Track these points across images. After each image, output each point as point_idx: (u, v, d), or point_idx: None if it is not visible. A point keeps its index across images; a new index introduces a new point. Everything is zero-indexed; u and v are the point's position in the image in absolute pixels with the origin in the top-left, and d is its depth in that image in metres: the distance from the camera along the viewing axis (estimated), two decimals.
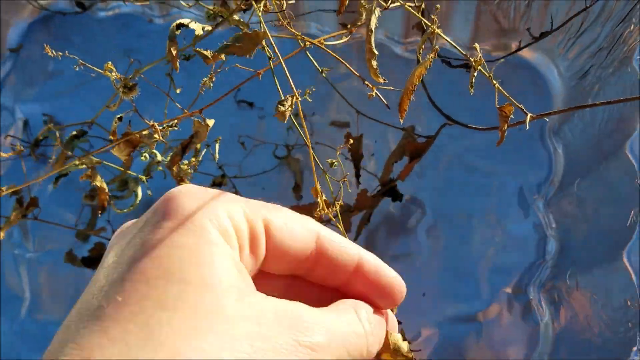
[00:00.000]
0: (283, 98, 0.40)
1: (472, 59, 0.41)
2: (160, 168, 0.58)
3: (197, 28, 0.48)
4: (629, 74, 0.54)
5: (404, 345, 0.31)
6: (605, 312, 0.51)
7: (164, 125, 0.43)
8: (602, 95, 0.58)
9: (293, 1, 0.49)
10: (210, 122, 0.46)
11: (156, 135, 0.42)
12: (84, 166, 0.51)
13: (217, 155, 0.54)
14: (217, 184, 0.64)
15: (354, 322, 0.27)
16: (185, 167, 0.51)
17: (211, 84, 0.43)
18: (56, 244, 0.67)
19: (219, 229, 0.24)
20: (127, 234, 0.24)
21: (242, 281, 0.24)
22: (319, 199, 0.41)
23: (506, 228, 0.63)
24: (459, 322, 0.61)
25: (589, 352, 0.53)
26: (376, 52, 0.49)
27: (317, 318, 0.25)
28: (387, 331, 0.30)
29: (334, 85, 0.60)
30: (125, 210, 0.54)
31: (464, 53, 0.43)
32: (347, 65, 0.54)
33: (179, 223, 0.23)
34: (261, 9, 0.45)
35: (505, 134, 0.44)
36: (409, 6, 0.50)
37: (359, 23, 0.54)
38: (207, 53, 0.47)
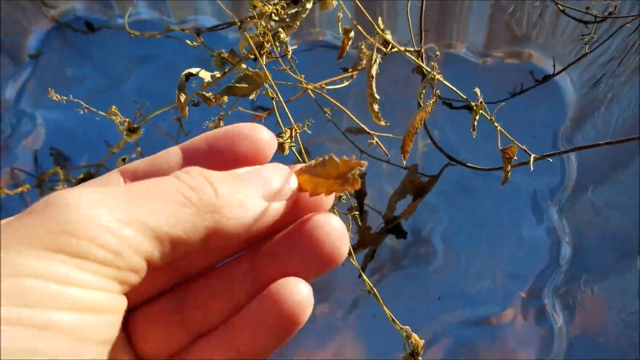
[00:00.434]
0: (282, 130, 0.41)
1: (473, 104, 0.42)
2: None
3: (206, 76, 0.49)
4: None
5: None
6: (619, 316, 0.53)
7: None
8: (614, 104, 0.59)
9: (295, 46, 0.50)
10: None
11: None
12: None
13: None
14: None
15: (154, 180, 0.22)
16: None
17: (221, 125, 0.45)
18: None
19: None
20: None
21: None
22: None
23: (520, 233, 0.65)
24: (474, 325, 0.62)
25: (602, 356, 0.54)
26: (377, 97, 0.51)
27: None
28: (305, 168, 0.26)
29: (337, 125, 0.62)
30: None
31: (464, 97, 0.44)
32: (349, 113, 0.55)
33: None
34: (264, 56, 0.47)
35: (509, 174, 0.45)
36: (408, 51, 0.51)
37: (359, 67, 0.55)
38: (209, 95, 0.48)
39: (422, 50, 0.56)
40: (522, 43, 0.69)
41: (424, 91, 0.51)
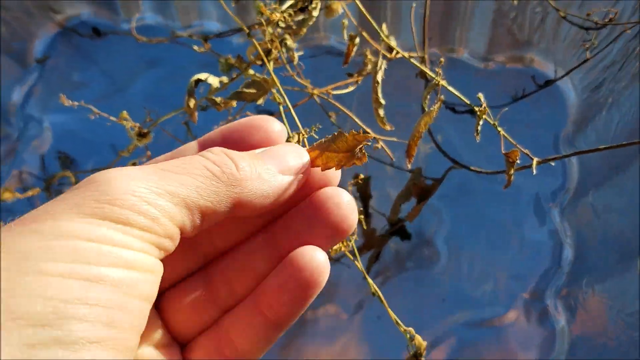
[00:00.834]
0: (290, 135, 0.42)
1: (477, 108, 0.43)
2: None
3: (214, 82, 0.50)
4: None
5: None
6: (620, 317, 0.53)
7: None
8: (614, 108, 0.60)
9: (301, 53, 0.51)
10: None
11: None
12: None
13: None
14: None
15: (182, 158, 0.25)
16: None
17: None
18: None
19: None
20: None
21: None
22: None
23: (523, 235, 0.66)
24: (477, 326, 0.63)
25: (604, 356, 0.55)
26: (383, 102, 0.52)
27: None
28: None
29: (341, 129, 0.62)
30: None
31: (468, 102, 0.45)
32: (355, 118, 0.56)
33: None
34: (272, 62, 0.48)
35: (512, 177, 0.46)
36: (412, 57, 0.52)
37: (364, 73, 0.56)
38: (218, 100, 0.49)
39: (426, 55, 0.57)
40: (523, 48, 0.70)
41: (428, 96, 0.52)
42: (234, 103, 0.50)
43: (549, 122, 0.70)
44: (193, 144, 0.28)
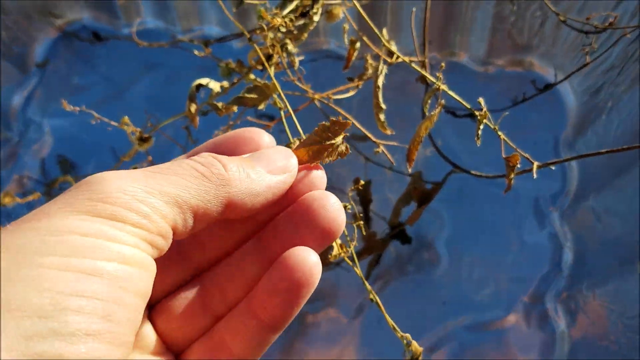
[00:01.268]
0: (291, 141, 0.42)
1: (477, 113, 0.44)
2: None
3: (215, 87, 0.50)
4: None
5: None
6: (620, 320, 0.54)
7: None
8: (614, 112, 0.61)
9: (302, 58, 0.51)
10: None
11: None
12: None
13: None
14: None
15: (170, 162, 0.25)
16: None
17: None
18: None
19: None
20: None
21: None
22: (334, 244, 0.44)
23: (523, 238, 0.66)
24: (478, 330, 0.63)
25: (604, 359, 0.55)
26: (384, 107, 0.52)
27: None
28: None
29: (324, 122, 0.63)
30: None
31: (468, 107, 0.45)
32: (355, 123, 0.56)
33: None
34: (273, 67, 0.48)
35: (513, 182, 0.46)
36: (412, 61, 0.52)
37: (365, 77, 0.56)
38: (219, 105, 0.50)
39: (426, 60, 0.58)
40: (523, 52, 0.70)
41: (428, 101, 0.52)
42: (235, 108, 0.50)
43: (549, 126, 0.70)
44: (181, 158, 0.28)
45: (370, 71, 0.55)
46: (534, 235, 0.66)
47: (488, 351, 0.62)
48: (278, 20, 0.48)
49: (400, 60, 0.52)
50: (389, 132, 0.54)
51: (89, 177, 0.23)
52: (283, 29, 0.49)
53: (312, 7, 0.50)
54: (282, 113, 0.48)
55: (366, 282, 0.45)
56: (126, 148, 0.60)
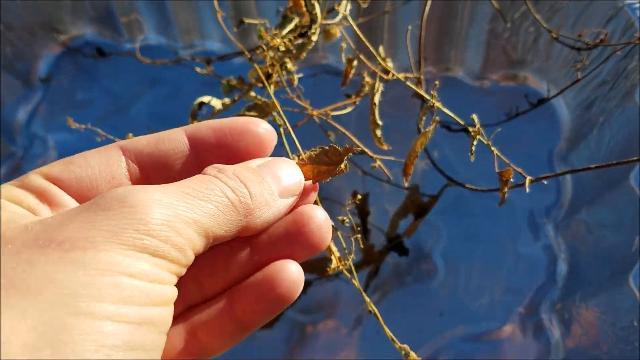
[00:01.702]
0: (291, 157, 0.43)
1: (470, 129, 0.45)
2: None
3: (217, 104, 0.52)
4: (632, 108, 0.58)
5: None
6: (613, 331, 0.55)
7: None
8: (606, 126, 0.62)
9: (301, 75, 0.53)
10: None
11: None
12: None
13: None
14: None
15: (197, 177, 0.25)
16: None
17: None
18: None
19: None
20: None
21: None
22: (332, 257, 0.45)
23: (518, 250, 0.67)
24: (474, 340, 0.64)
25: None
26: (380, 123, 0.53)
27: (133, 187, 0.23)
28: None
29: (335, 144, 0.64)
30: None
31: (462, 123, 0.47)
32: (353, 139, 0.58)
33: None
34: (272, 85, 0.50)
35: (506, 195, 0.48)
36: (408, 78, 0.54)
37: (362, 94, 0.58)
38: None
39: (421, 76, 0.59)
40: (517, 66, 0.72)
41: (424, 117, 0.54)
42: None
43: (542, 139, 0.71)
44: (181, 136, 0.28)
45: (367, 88, 0.57)
46: (528, 246, 0.67)
47: None
48: (277, 41, 0.49)
49: (396, 77, 0.53)
50: (385, 147, 0.55)
51: (128, 195, 0.22)
52: (282, 48, 0.51)
53: (310, 27, 0.51)
54: (281, 130, 0.49)
55: (364, 295, 0.46)
56: None
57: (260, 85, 0.54)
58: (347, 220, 0.44)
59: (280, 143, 0.47)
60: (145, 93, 0.78)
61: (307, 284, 0.62)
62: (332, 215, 0.71)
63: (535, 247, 0.67)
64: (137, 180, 0.28)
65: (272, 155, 0.29)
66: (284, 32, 0.52)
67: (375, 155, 0.60)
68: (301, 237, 0.28)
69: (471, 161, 0.46)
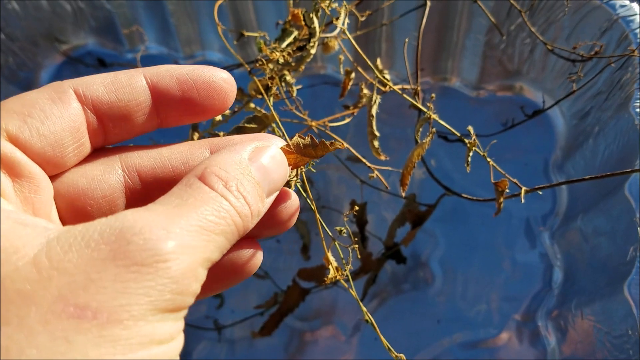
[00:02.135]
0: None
1: (467, 141, 0.46)
2: None
3: (217, 115, 0.53)
4: (627, 119, 0.58)
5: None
6: (607, 339, 0.56)
7: None
8: (601, 136, 0.63)
9: (300, 87, 0.54)
10: None
11: None
12: None
13: None
14: None
15: (206, 199, 0.23)
16: None
17: None
18: None
19: None
20: None
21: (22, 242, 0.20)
22: (330, 267, 0.46)
23: (514, 258, 0.68)
24: (471, 348, 0.65)
25: None
26: (377, 134, 0.54)
27: (150, 220, 0.21)
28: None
29: (338, 156, 0.65)
30: None
31: (459, 135, 0.47)
32: (351, 149, 0.59)
33: None
34: (272, 97, 0.50)
35: (502, 205, 0.48)
36: (405, 89, 0.55)
37: (360, 105, 0.59)
38: (221, 134, 0.52)
39: (419, 87, 0.60)
40: (513, 77, 0.73)
41: (420, 128, 0.54)
42: None
43: (538, 148, 0.72)
44: (142, 86, 0.26)
45: (364, 100, 0.58)
46: (525, 254, 0.68)
47: None
48: (277, 54, 0.50)
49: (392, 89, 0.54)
50: (382, 157, 0.56)
51: (157, 239, 0.20)
52: (282, 61, 0.52)
53: (309, 40, 0.52)
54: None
55: (361, 304, 0.47)
56: None
57: (259, 96, 0.55)
58: (345, 230, 0.45)
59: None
60: None
61: (306, 292, 0.63)
62: (332, 223, 0.72)
63: (531, 255, 0.68)
64: (94, 132, 0.26)
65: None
66: (283, 45, 0.52)
67: (372, 166, 0.61)
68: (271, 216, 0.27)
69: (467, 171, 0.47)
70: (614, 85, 0.62)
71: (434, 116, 0.49)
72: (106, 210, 0.26)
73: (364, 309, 0.47)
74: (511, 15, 0.66)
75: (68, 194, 0.25)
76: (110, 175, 0.26)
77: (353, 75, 0.58)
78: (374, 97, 0.53)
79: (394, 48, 0.73)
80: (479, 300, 0.67)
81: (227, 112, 0.56)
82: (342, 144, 0.31)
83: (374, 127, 0.54)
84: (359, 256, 0.65)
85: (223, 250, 0.23)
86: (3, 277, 0.18)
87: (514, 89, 0.74)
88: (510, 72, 0.72)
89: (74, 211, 0.26)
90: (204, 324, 0.68)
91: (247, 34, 0.54)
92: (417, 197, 0.67)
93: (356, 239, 0.67)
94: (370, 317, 0.47)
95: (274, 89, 0.52)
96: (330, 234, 0.46)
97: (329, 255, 0.46)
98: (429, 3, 0.59)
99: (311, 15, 0.50)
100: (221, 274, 0.27)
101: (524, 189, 0.51)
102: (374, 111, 0.53)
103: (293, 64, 0.53)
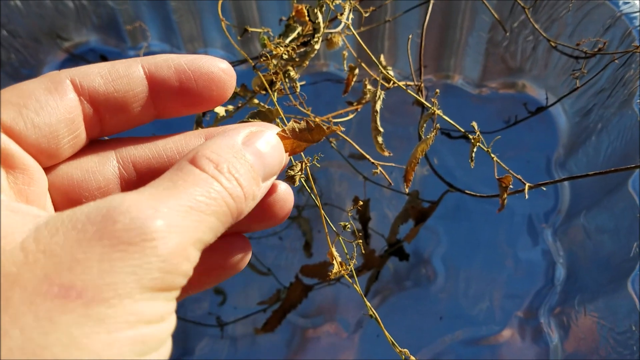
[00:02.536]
0: (293, 163, 0.44)
1: (471, 136, 0.46)
2: None
3: (220, 111, 0.53)
4: (630, 115, 0.58)
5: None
6: (611, 336, 0.56)
7: None
8: (604, 133, 0.63)
9: (304, 82, 0.54)
10: None
11: None
12: None
13: None
14: None
15: (197, 181, 0.22)
16: None
17: None
18: None
19: None
20: None
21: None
22: (334, 262, 0.46)
23: (517, 255, 0.68)
24: (474, 344, 0.65)
25: None
26: (381, 130, 0.54)
27: (138, 200, 0.21)
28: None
29: (341, 153, 0.65)
30: None
31: (463, 131, 0.47)
32: (354, 145, 0.59)
33: None
34: (275, 93, 0.51)
35: (506, 201, 0.48)
36: (409, 86, 0.55)
37: (363, 101, 0.59)
38: None
39: (422, 84, 0.60)
40: (516, 74, 0.73)
41: (424, 124, 0.54)
42: None
43: (541, 145, 0.72)
44: (139, 76, 0.26)
45: (368, 96, 0.58)
46: (527, 251, 0.68)
47: None
48: (281, 50, 0.50)
49: (396, 85, 0.54)
50: (386, 153, 0.56)
51: (144, 218, 0.20)
52: (285, 57, 0.52)
53: (313, 36, 0.52)
54: None
55: (365, 299, 0.47)
56: None
57: (263, 92, 0.55)
58: (349, 225, 0.45)
59: None
60: None
61: (308, 288, 0.63)
62: (334, 220, 0.72)
63: (534, 252, 0.68)
64: (90, 123, 0.26)
65: None
66: (287, 40, 0.52)
67: (376, 162, 0.61)
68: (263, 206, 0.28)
69: (471, 167, 0.47)
70: (617, 82, 0.62)
71: (438, 112, 0.49)
72: None
73: (368, 304, 0.47)
74: (514, 13, 0.66)
75: (62, 186, 0.26)
76: (105, 166, 0.26)
77: (357, 71, 0.58)
78: (378, 93, 0.53)
79: (397, 46, 0.73)
80: (481, 297, 0.67)
81: (231, 107, 0.56)
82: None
83: (378, 122, 0.54)
84: (363, 252, 0.65)
85: (216, 232, 0.23)
86: None
87: (517, 87, 0.74)
88: (512, 69, 0.72)
89: (69, 203, 0.26)
90: (206, 321, 0.68)
91: (251, 29, 0.54)
92: (419, 194, 0.67)
93: (360, 234, 0.67)
94: (375, 312, 0.47)
95: (278, 84, 0.52)
96: (334, 229, 0.46)
97: (333, 250, 0.46)
98: (432, 0, 0.59)
99: (315, 10, 0.50)
100: (210, 268, 0.27)
101: (527, 185, 0.51)
102: (378, 107, 0.53)
103: (297, 59, 0.53)
